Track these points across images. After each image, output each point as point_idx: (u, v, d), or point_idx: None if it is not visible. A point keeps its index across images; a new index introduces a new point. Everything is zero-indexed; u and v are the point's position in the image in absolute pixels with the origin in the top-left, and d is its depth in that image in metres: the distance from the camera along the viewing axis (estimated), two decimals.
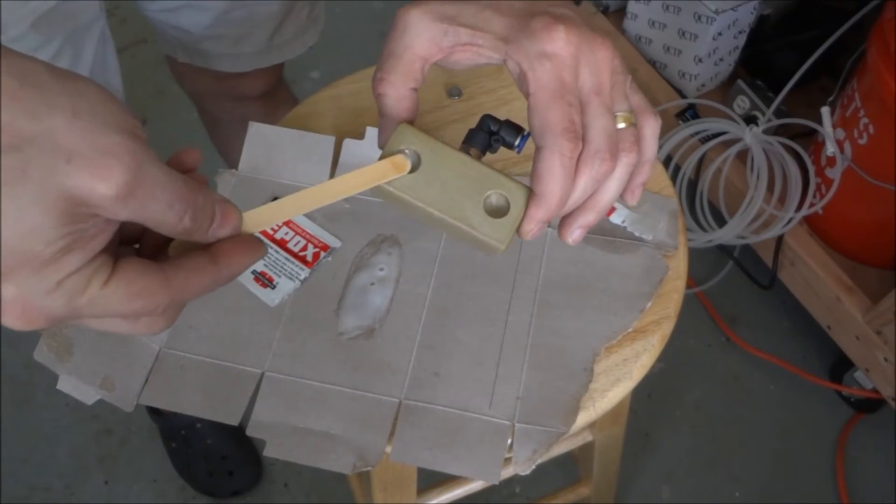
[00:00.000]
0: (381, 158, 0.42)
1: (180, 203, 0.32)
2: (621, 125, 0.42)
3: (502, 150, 0.45)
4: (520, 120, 0.44)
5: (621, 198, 0.44)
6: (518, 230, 0.42)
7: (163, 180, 0.31)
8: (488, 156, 0.45)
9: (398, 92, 0.42)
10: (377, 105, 0.43)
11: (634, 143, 0.42)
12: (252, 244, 0.36)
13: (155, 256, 0.36)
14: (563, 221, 0.44)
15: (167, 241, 0.37)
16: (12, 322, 0.30)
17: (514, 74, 0.41)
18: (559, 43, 0.39)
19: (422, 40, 0.42)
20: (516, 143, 0.44)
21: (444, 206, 0.41)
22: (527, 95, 0.41)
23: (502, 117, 0.44)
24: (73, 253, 0.30)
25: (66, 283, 0.30)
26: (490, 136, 0.44)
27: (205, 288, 0.34)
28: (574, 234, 0.44)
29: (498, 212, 0.42)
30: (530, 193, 0.41)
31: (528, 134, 0.43)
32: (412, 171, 0.41)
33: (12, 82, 0.29)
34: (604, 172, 0.41)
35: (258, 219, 0.37)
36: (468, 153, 0.43)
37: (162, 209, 0.31)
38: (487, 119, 0.44)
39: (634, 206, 0.66)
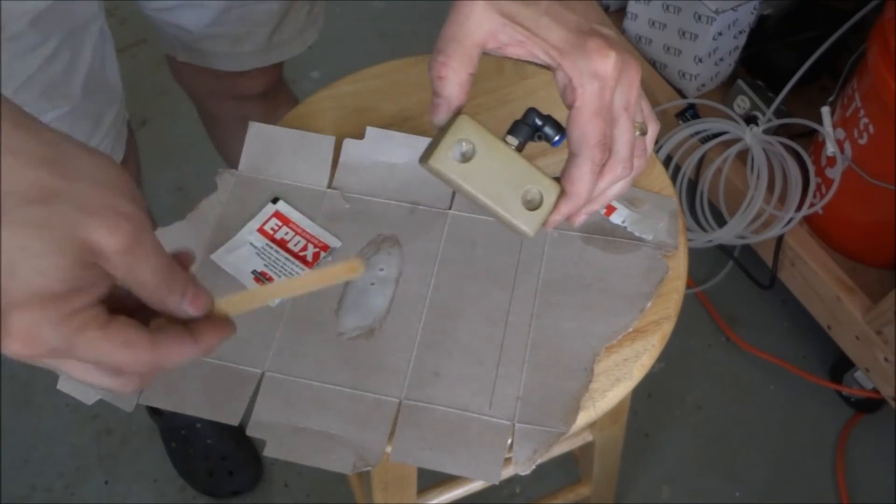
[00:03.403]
0: (436, 151, 0.47)
1: (163, 270, 0.37)
2: (636, 134, 0.48)
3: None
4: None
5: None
6: (546, 222, 0.49)
7: (155, 247, 0.37)
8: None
9: (459, 77, 0.46)
10: (434, 86, 0.47)
11: (644, 150, 0.50)
12: (225, 325, 0.42)
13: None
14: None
15: (150, 318, 0.41)
16: (17, 348, 0.34)
17: (560, 84, 0.46)
18: (609, 68, 0.45)
19: (483, 31, 0.45)
20: (555, 139, 0.49)
21: (490, 193, 0.47)
22: (570, 106, 0.46)
23: (545, 112, 0.49)
24: (80, 293, 0.35)
25: (70, 320, 0.35)
26: (534, 130, 0.49)
27: (182, 357, 0.39)
28: (580, 219, 0.51)
29: (532, 203, 0.48)
30: (561, 191, 0.48)
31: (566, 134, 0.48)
32: (466, 161, 0.47)
33: (49, 150, 0.35)
34: (622, 176, 0.48)
35: (228, 305, 0.43)
36: (514, 146, 0.48)
37: (149, 271, 0.37)
38: (533, 113, 0.49)
39: (634, 206, 0.66)
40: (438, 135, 0.48)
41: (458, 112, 0.48)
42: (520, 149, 0.49)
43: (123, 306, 0.39)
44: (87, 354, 0.36)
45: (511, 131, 0.49)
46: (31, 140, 0.35)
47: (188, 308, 0.39)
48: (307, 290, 0.45)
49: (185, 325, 0.40)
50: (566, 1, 0.46)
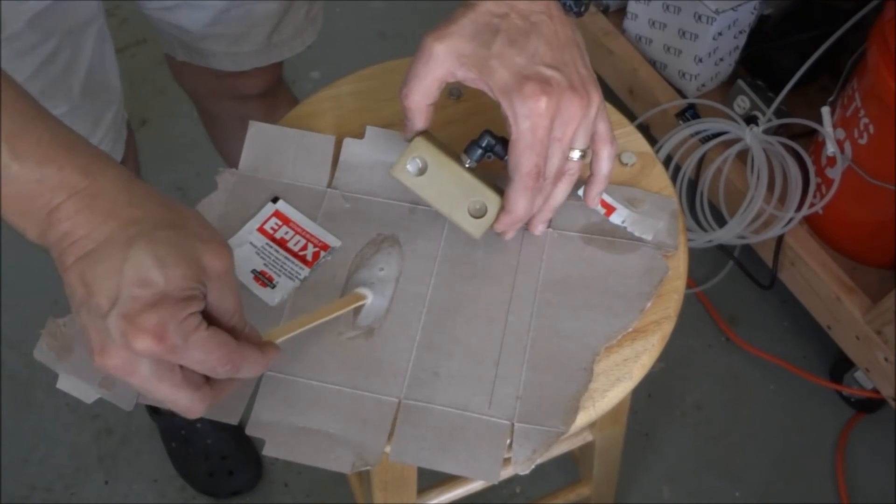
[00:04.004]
0: (396, 164, 0.58)
1: (239, 299, 0.47)
2: (575, 156, 0.56)
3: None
4: None
5: (586, 204, 0.63)
6: (493, 228, 0.59)
7: (234, 287, 0.46)
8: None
9: (418, 106, 0.55)
10: (402, 111, 0.56)
11: (576, 172, 0.58)
12: (274, 348, 0.52)
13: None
14: (530, 222, 0.61)
15: None
16: (148, 343, 0.41)
17: (504, 117, 0.53)
18: (541, 109, 0.51)
19: (441, 69, 0.53)
20: (506, 157, 0.56)
21: (442, 201, 0.59)
22: (508, 137, 0.54)
23: (499, 134, 0.57)
24: (194, 301, 0.43)
25: (187, 321, 0.43)
26: (485, 150, 0.57)
27: (254, 366, 0.48)
28: (539, 228, 0.62)
29: (478, 213, 0.58)
30: (502, 206, 0.57)
31: None
32: (421, 174, 0.58)
33: (162, 196, 0.46)
34: (551, 191, 0.58)
35: (274, 334, 0.54)
36: (463, 164, 0.58)
37: (230, 303, 0.46)
38: (487, 135, 0.57)
39: (634, 206, 0.66)
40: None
41: (421, 132, 0.57)
42: (473, 165, 0.58)
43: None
44: (196, 351, 0.43)
45: (466, 150, 0.58)
46: (151, 188, 0.46)
47: (251, 334, 0.49)
48: (322, 319, 0.57)
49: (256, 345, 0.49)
50: (524, 41, 0.52)
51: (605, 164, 0.59)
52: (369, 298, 0.60)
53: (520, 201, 0.56)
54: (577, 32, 0.56)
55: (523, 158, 0.53)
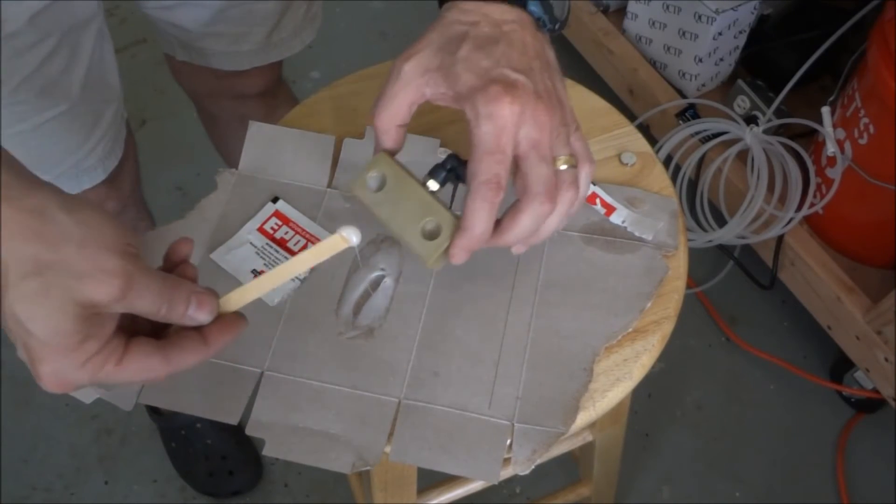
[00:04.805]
0: (356, 178, 0.54)
1: (158, 299, 0.42)
2: (563, 167, 0.50)
3: None
4: None
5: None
6: (447, 253, 0.51)
7: (147, 284, 0.42)
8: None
9: (386, 127, 0.52)
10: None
11: (573, 182, 0.51)
12: (234, 322, 0.46)
13: (161, 332, 0.46)
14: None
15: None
16: (51, 389, 0.41)
17: (467, 122, 0.49)
18: (504, 111, 0.47)
19: (409, 89, 0.51)
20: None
21: (394, 221, 0.52)
22: (470, 145, 0.49)
23: (466, 158, 0.51)
24: (90, 341, 0.41)
25: (88, 364, 0.41)
26: (448, 172, 0.53)
27: (197, 362, 0.45)
28: (519, 248, 0.53)
29: (431, 235, 0.52)
30: (458, 225, 0.50)
31: None
32: (378, 190, 0.53)
33: (35, 222, 0.39)
34: (544, 212, 0.50)
35: (234, 300, 0.47)
36: (424, 183, 0.53)
37: (146, 304, 0.42)
38: (452, 158, 0.53)
39: (634, 206, 0.66)
40: None
41: (390, 153, 0.54)
42: (436, 188, 0.53)
43: (143, 322, 0.44)
44: (110, 383, 0.42)
45: (430, 173, 0.54)
46: (18, 214, 0.39)
47: (195, 316, 0.44)
48: (304, 268, 0.49)
49: (198, 331, 0.45)
50: (492, 47, 0.49)
51: (584, 185, 0.53)
52: (355, 239, 0.49)
53: (476, 216, 0.49)
54: (551, 51, 0.53)
55: (482, 165, 0.48)
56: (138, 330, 0.45)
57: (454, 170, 0.53)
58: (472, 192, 0.49)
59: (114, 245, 0.41)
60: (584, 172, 0.53)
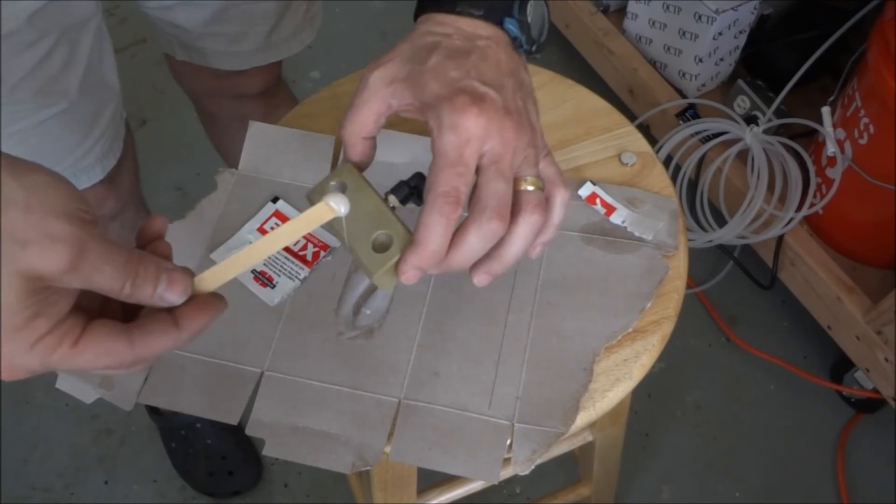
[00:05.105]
0: (316, 186, 0.50)
1: (121, 274, 0.38)
2: (529, 188, 0.48)
3: None
4: None
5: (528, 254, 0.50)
6: (397, 271, 0.47)
7: (105, 256, 0.37)
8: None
9: (352, 139, 0.51)
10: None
11: (538, 205, 0.48)
12: (209, 304, 0.41)
13: (131, 316, 0.41)
14: (473, 267, 0.49)
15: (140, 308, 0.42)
16: (7, 377, 0.37)
17: (430, 131, 0.47)
18: (469, 122, 0.45)
19: (376, 100, 0.49)
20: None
21: (346, 231, 0.49)
22: (432, 156, 0.47)
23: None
24: (40, 318, 0.36)
25: (38, 345, 0.36)
26: (411, 189, 0.51)
27: (168, 347, 0.40)
28: (479, 277, 0.49)
29: (382, 248, 0.48)
30: (410, 240, 0.47)
31: None
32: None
33: None
34: (493, 229, 0.46)
35: (211, 279, 0.42)
36: (385, 198, 0.50)
37: (105, 279, 0.37)
38: (417, 176, 0.51)
39: (634, 206, 0.66)
40: None
41: (357, 166, 0.51)
42: (397, 204, 0.51)
43: (115, 306, 0.41)
44: (66, 368, 0.38)
45: (393, 189, 0.51)
46: None
47: (165, 295, 0.40)
48: (286, 242, 0.45)
49: (169, 312, 0.40)
50: (463, 58, 0.48)
51: (558, 211, 0.51)
52: (343, 209, 0.48)
53: (430, 231, 0.45)
54: (526, 73, 0.52)
55: (440, 176, 0.45)
56: (109, 315, 0.40)
57: (418, 188, 0.50)
58: (427, 205, 0.45)
59: (63, 209, 0.37)
60: (559, 198, 0.51)
